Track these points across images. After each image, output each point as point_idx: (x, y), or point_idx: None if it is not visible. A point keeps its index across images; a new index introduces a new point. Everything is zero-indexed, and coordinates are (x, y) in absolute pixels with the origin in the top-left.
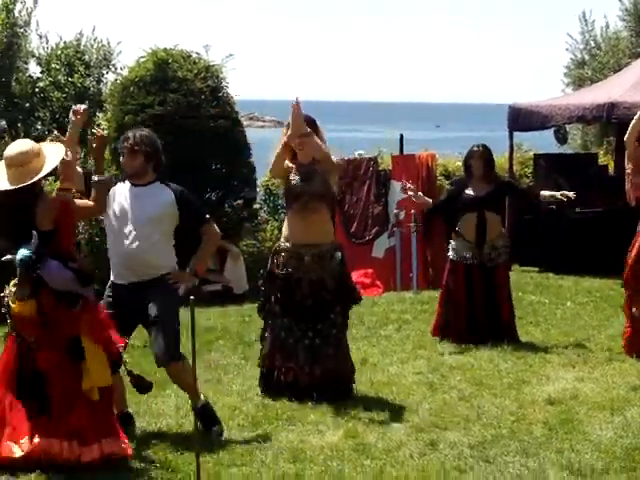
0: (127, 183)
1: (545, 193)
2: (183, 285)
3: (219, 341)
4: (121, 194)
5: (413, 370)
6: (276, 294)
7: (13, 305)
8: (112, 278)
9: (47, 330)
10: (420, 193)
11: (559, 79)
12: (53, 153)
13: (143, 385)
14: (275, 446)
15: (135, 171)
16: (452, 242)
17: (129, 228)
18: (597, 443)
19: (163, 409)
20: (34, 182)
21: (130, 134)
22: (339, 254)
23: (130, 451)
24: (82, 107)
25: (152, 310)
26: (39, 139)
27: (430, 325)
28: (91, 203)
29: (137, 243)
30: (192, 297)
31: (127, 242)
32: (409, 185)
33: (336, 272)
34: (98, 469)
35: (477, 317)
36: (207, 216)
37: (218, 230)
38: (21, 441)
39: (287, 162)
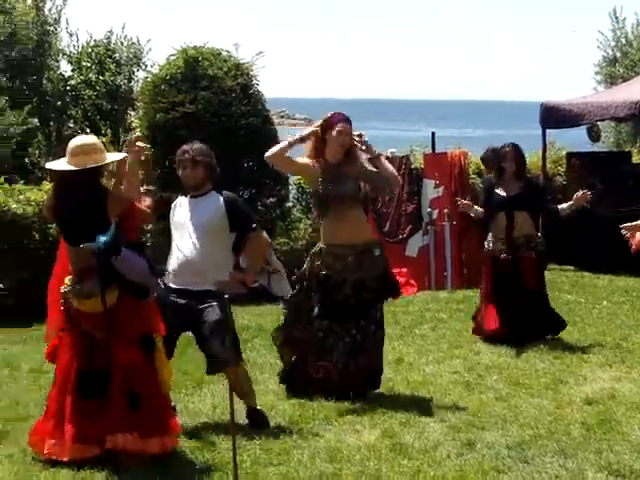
0: (187, 196)
1: (564, 206)
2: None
3: (255, 340)
4: (182, 206)
5: (449, 369)
6: (316, 295)
7: (77, 302)
8: (168, 282)
9: (115, 326)
10: (476, 207)
11: (590, 77)
12: (114, 154)
13: None
14: (312, 445)
15: (197, 182)
16: (487, 239)
17: (186, 238)
18: (636, 443)
19: (200, 408)
20: (94, 170)
21: (187, 147)
22: (378, 250)
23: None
24: (136, 135)
25: (207, 316)
26: (72, 137)
27: (465, 324)
28: (148, 210)
29: (193, 252)
30: (226, 296)
31: (185, 249)
32: (463, 202)
33: (379, 269)
34: (136, 467)
35: (506, 308)
36: (254, 225)
37: (267, 239)
38: (86, 441)
39: (309, 160)
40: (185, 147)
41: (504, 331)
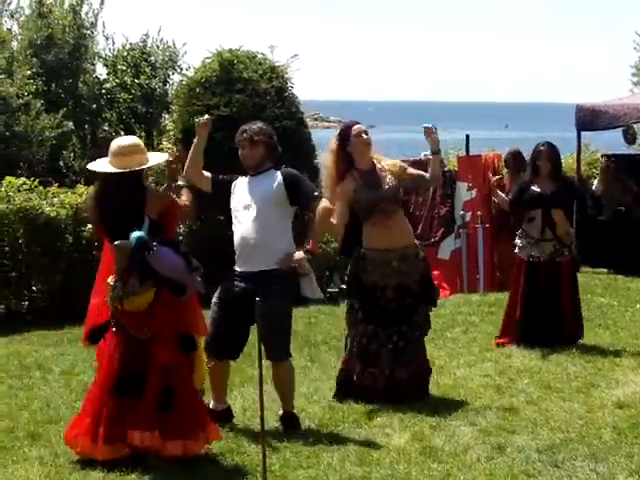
0: (246, 176)
1: (594, 183)
2: (298, 264)
3: None
4: (241, 185)
5: (480, 373)
6: (360, 301)
7: (118, 302)
8: (235, 267)
9: (154, 326)
10: (503, 195)
11: (627, 78)
12: (156, 155)
13: None
14: (341, 449)
15: (256, 162)
16: (518, 240)
17: (246, 214)
18: None
19: None
20: (138, 171)
21: (246, 127)
22: (422, 252)
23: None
24: (206, 118)
25: (264, 306)
26: (106, 140)
27: (497, 327)
28: (187, 205)
29: (253, 228)
30: (258, 299)
31: (245, 228)
32: (494, 178)
33: (422, 272)
34: (164, 468)
35: (539, 314)
36: (316, 194)
37: (330, 206)
38: (116, 441)
39: (340, 189)
40: (244, 127)
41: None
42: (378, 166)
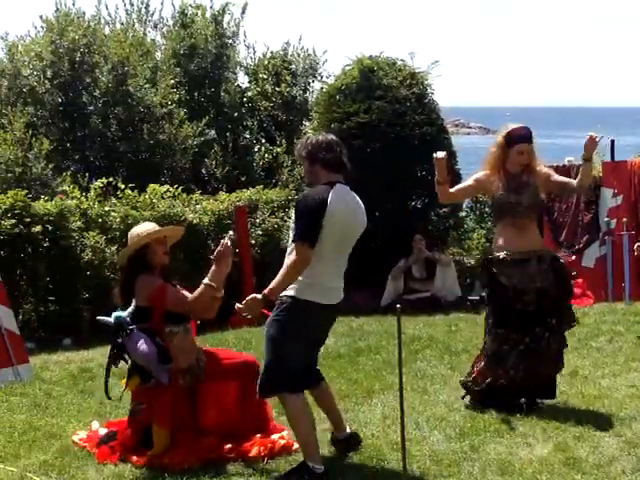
0: None
1: None
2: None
3: (426, 350)
4: None
5: (626, 383)
6: (492, 305)
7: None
8: None
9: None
10: None
11: None
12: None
13: None
14: (483, 458)
15: (310, 179)
16: None
17: None
18: None
19: (370, 417)
20: (132, 257)
21: None
22: (556, 254)
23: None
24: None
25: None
26: (247, 148)
27: None
28: (190, 296)
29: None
30: (399, 305)
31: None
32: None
33: (561, 276)
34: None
35: None
36: (296, 237)
37: (303, 257)
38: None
39: (483, 176)
40: None
41: None
42: (525, 174)
